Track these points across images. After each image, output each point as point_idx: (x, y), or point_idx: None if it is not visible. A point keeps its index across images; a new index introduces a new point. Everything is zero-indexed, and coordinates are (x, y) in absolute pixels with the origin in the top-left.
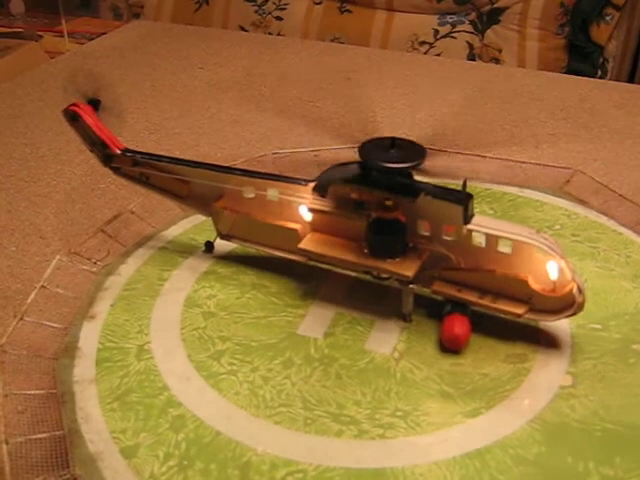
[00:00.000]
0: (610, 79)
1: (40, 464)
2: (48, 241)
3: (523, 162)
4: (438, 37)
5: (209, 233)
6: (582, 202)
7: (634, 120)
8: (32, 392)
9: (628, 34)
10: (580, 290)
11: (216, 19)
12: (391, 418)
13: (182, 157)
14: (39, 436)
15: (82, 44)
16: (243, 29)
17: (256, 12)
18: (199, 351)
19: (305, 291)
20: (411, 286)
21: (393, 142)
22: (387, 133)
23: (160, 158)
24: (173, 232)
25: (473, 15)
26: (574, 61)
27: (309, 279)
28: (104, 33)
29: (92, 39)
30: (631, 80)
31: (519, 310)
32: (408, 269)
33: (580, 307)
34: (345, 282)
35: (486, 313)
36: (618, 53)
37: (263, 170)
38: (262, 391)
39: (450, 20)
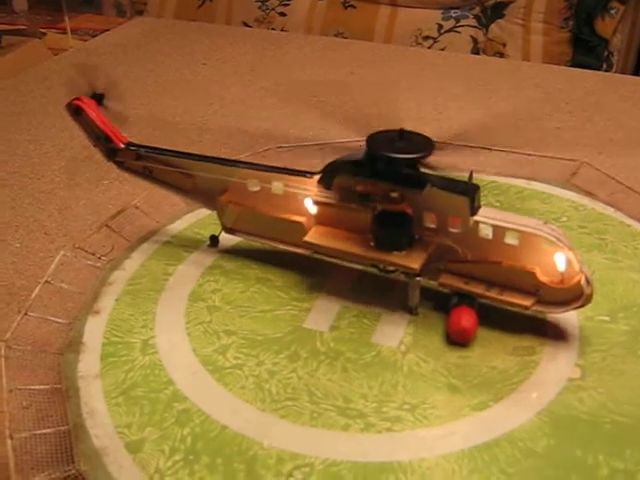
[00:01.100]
0: (615, 72)
1: (45, 459)
2: (52, 237)
3: (529, 154)
4: (442, 32)
5: (214, 227)
6: (589, 194)
7: (639, 112)
8: (37, 387)
9: (633, 27)
10: (588, 282)
11: (219, 15)
12: (398, 411)
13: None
14: (44, 431)
15: (85, 41)
16: (247, 25)
17: (259, 8)
18: (204, 345)
19: (311, 284)
20: (417, 279)
21: (401, 134)
22: (391, 127)
23: (164, 152)
24: (177, 226)
25: (477, 9)
26: (579, 55)
27: (314, 272)
28: (107, 30)
29: (95, 36)
30: (636, 73)
31: (527, 302)
32: (414, 262)
33: (588, 299)
34: (351, 275)
35: (493, 305)
36: (623, 46)
37: (268, 164)
38: (268, 385)
39: (454, 15)
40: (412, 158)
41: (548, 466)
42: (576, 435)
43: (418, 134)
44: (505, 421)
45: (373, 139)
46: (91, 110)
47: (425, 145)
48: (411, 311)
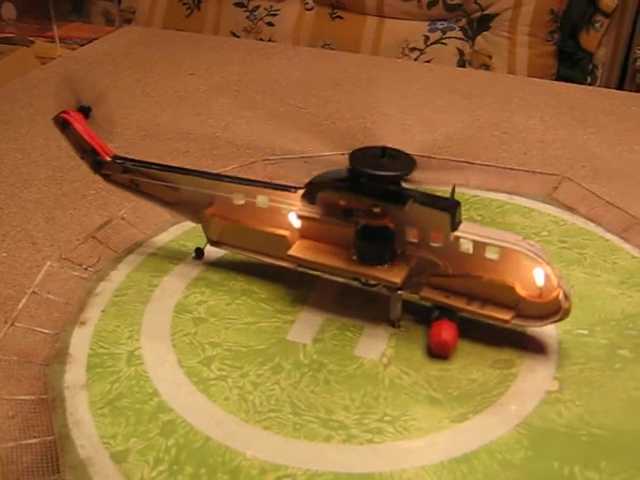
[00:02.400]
0: (599, 85)
1: (31, 469)
2: (39, 247)
3: (512, 169)
4: (428, 43)
5: (199, 239)
6: (570, 209)
7: (623, 126)
8: (23, 397)
9: (617, 41)
10: (566, 296)
11: (207, 25)
12: (379, 423)
13: (173, 164)
14: (30, 441)
15: (73, 49)
16: (234, 35)
17: (247, 18)
18: (189, 357)
19: (294, 297)
20: (399, 292)
21: (383, 151)
22: (377, 139)
23: (150, 165)
24: (163, 238)
25: (463, 21)
26: (564, 68)
27: (298, 285)
28: (96, 38)
29: (84, 44)
30: (620, 87)
31: (506, 316)
32: (396, 276)
33: (566, 313)
34: (334, 288)
35: (474, 319)
36: (607, 60)
37: (253, 176)
38: (251, 396)
39: (440, 26)
40: (393, 176)
41: (526, 478)
42: (553, 447)
43: (400, 151)
44: (484, 433)
45: (356, 155)
46: (78, 123)
47: (406, 163)
48: (393, 324)
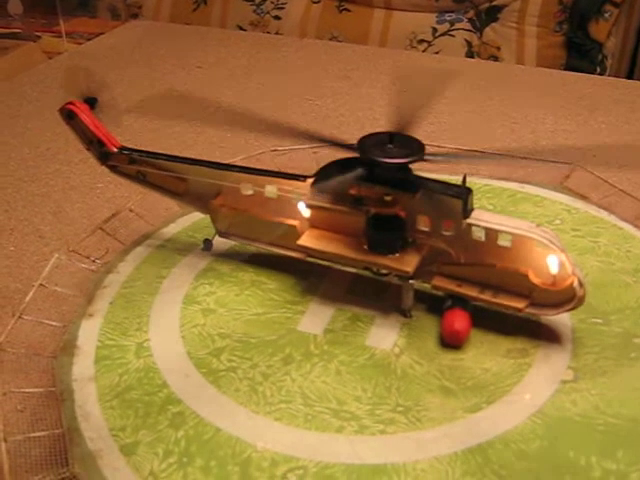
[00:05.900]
0: (609, 76)
1: (39, 462)
2: (47, 240)
3: (523, 157)
4: (436, 35)
5: (207, 231)
6: (582, 197)
7: (633, 116)
8: (31, 390)
9: (627, 31)
10: (581, 284)
11: (214, 18)
12: (392, 414)
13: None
14: (38, 434)
15: (80, 44)
16: (241, 28)
17: (254, 11)
18: (198, 348)
19: (304, 287)
20: (411, 281)
21: (391, 137)
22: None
23: (157, 155)
24: (172, 230)
25: (471, 13)
26: (573, 58)
27: (308, 275)
28: (102, 33)
29: (90, 39)
30: (630, 76)
31: (520, 304)
32: (408, 264)
33: (581, 301)
34: (345, 278)
35: (487, 308)
36: (617, 50)
37: (261, 167)
38: (262, 387)
39: (448, 18)
40: (402, 163)
41: (541, 468)
42: (569, 437)
43: (409, 137)
44: (498, 423)
45: (364, 143)
46: (84, 114)
47: (416, 149)
48: (405, 314)
